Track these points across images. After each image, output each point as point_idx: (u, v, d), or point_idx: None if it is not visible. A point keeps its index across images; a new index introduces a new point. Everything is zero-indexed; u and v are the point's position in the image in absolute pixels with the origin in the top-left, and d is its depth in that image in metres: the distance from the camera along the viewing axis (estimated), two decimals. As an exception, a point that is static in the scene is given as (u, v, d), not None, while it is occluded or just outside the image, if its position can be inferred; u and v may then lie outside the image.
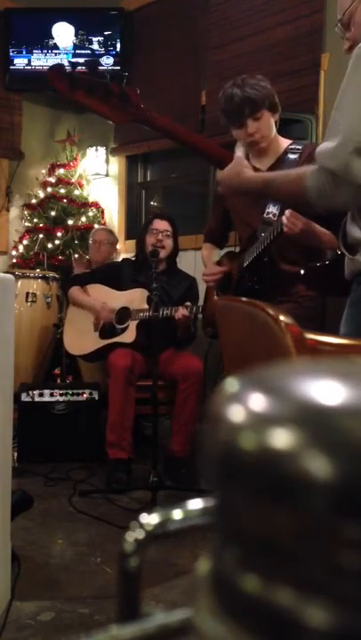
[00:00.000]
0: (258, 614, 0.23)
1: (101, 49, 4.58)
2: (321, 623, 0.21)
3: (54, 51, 4.59)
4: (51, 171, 4.74)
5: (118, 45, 4.55)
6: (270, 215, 2.22)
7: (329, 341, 0.95)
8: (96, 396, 3.27)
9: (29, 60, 4.61)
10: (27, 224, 4.62)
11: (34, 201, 4.68)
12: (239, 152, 1.60)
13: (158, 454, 2.57)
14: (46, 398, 3.23)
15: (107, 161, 4.78)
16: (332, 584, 0.21)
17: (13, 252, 4.61)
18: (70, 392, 3.27)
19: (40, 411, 3.21)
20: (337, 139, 1.21)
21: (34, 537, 2.22)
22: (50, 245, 4.41)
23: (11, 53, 4.60)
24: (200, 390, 2.91)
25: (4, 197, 4.73)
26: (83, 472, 3.00)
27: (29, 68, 4.60)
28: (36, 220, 4.55)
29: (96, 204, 4.67)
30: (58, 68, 1.68)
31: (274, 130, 2.35)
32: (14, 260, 4.55)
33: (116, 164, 4.78)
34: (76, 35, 4.58)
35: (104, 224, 4.62)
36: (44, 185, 4.68)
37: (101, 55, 4.57)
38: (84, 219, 4.53)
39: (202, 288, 3.09)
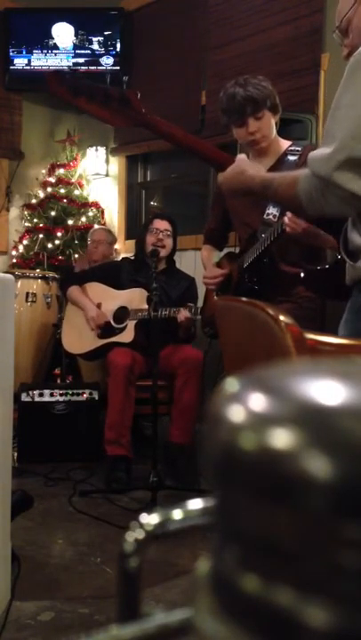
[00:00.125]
0: (258, 614, 0.23)
1: (101, 49, 4.58)
2: (321, 623, 0.21)
3: (54, 51, 4.59)
4: (51, 171, 4.74)
5: (118, 45, 4.55)
6: (270, 216, 2.22)
7: (329, 341, 0.95)
8: (96, 395, 3.27)
9: (29, 60, 4.61)
10: (27, 224, 4.62)
11: (34, 201, 4.68)
12: (242, 154, 1.60)
13: (158, 454, 2.57)
14: (46, 398, 3.23)
15: (107, 161, 4.78)
16: (332, 584, 0.21)
17: (13, 252, 4.61)
18: (70, 392, 3.27)
19: (40, 411, 3.21)
20: (330, 147, 1.20)
21: (34, 537, 2.22)
22: (50, 245, 4.41)
23: (11, 53, 4.60)
24: (199, 377, 2.91)
25: (4, 197, 4.73)
26: (83, 472, 3.00)
27: (29, 67, 4.60)
28: (36, 220, 4.55)
29: (96, 204, 4.67)
30: (57, 74, 1.68)
31: (274, 131, 2.36)
32: (14, 260, 4.55)
33: (116, 164, 4.78)
34: (76, 35, 4.58)
35: (104, 224, 4.62)
36: (44, 185, 4.68)
37: (101, 55, 4.57)
38: (84, 219, 4.53)
39: (201, 288, 3.09)
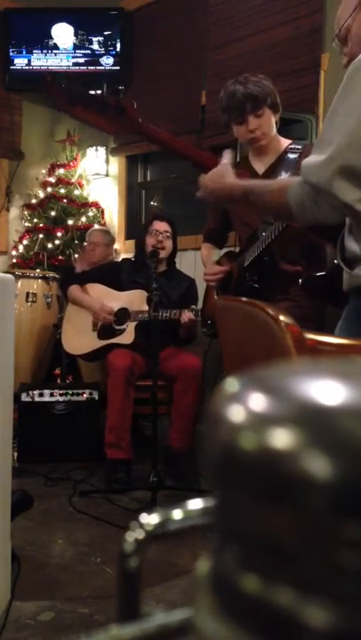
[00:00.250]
0: (258, 614, 0.23)
1: (101, 49, 4.57)
2: (321, 623, 0.21)
3: (54, 51, 4.59)
4: (51, 171, 4.74)
5: (118, 45, 4.55)
6: (270, 217, 2.22)
7: (329, 341, 0.95)
8: (96, 396, 3.27)
9: (29, 60, 4.61)
10: (27, 224, 4.62)
11: (34, 201, 4.68)
12: (226, 159, 1.60)
13: (158, 454, 2.57)
14: (46, 398, 3.23)
15: (107, 161, 4.78)
16: (332, 584, 0.21)
17: (13, 252, 4.61)
18: (70, 392, 3.27)
19: (40, 411, 3.21)
20: (324, 155, 1.20)
21: (34, 537, 2.22)
22: (50, 245, 4.41)
23: (11, 53, 4.60)
24: (198, 385, 2.91)
25: (4, 197, 4.73)
26: (83, 472, 3.00)
27: (29, 68, 4.60)
28: (36, 220, 4.55)
29: (96, 204, 4.67)
30: (55, 82, 1.69)
31: (274, 129, 2.36)
32: (14, 260, 4.55)
33: (116, 164, 4.78)
34: (76, 35, 4.58)
35: (104, 224, 4.62)
36: (44, 185, 4.68)
37: (101, 55, 4.57)
38: (84, 219, 4.53)
39: (201, 289, 3.09)
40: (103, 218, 4.69)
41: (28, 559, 1.94)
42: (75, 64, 4.58)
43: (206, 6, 4.04)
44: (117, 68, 4.55)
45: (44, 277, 3.95)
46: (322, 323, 2.30)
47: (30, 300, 3.85)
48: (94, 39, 4.58)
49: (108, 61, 4.57)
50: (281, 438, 0.22)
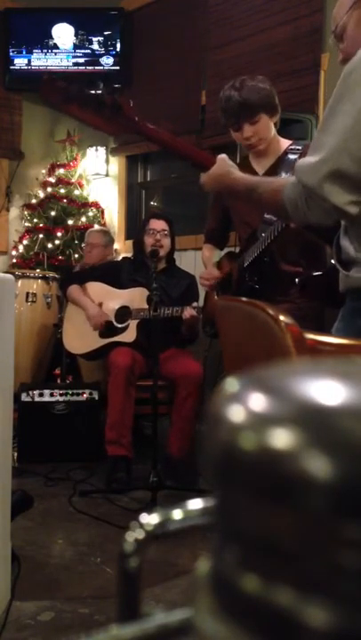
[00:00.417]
0: (258, 614, 0.23)
1: (101, 49, 4.58)
2: (321, 623, 0.21)
3: (54, 51, 4.59)
4: (51, 171, 4.74)
5: (118, 45, 4.55)
6: (271, 215, 2.22)
7: (329, 341, 0.95)
8: (96, 395, 3.27)
9: (29, 60, 4.61)
10: (27, 224, 4.62)
11: (34, 201, 4.68)
12: (223, 155, 1.60)
13: (158, 454, 2.57)
14: (46, 398, 3.23)
15: (107, 161, 4.78)
16: (332, 584, 0.21)
17: (13, 252, 4.61)
18: (70, 392, 3.26)
19: (40, 411, 3.21)
20: (317, 156, 1.20)
21: (34, 537, 2.22)
22: (50, 245, 4.41)
23: (11, 53, 4.60)
24: (198, 393, 2.91)
25: (3, 197, 4.73)
26: (83, 472, 3.00)
27: (29, 68, 4.60)
28: (36, 220, 4.55)
29: (96, 204, 4.67)
30: (50, 81, 1.68)
31: (273, 131, 2.35)
32: (14, 260, 4.55)
33: (116, 164, 4.78)
34: (76, 35, 4.58)
35: (104, 224, 4.62)
36: (44, 185, 4.68)
37: (101, 55, 4.57)
38: (84, 219, 4.53)
39: (202, 288, 3.09)
40: (103, 218, 4.69)
41: (28, 559, 1.94)
42: (75, 64, 4.58)
43: (206, 6, 4.04)
44: (117, 67, 4.55)
45: (43, 277, 3.95)
46: (321, 324, 2.30)
47: (30, 299, 3.85)
48: (94, 39, 4.58)
49: (108, 61, 4.57)
50: (281, 438, 0.22)
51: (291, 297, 2.29)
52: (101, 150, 4.74)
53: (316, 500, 0.21)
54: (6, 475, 1.33)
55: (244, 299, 1.09)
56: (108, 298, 3.26)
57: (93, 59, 4.58)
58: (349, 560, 0.21)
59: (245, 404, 0.25)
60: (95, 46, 4.58)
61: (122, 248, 4.57)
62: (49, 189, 4.62)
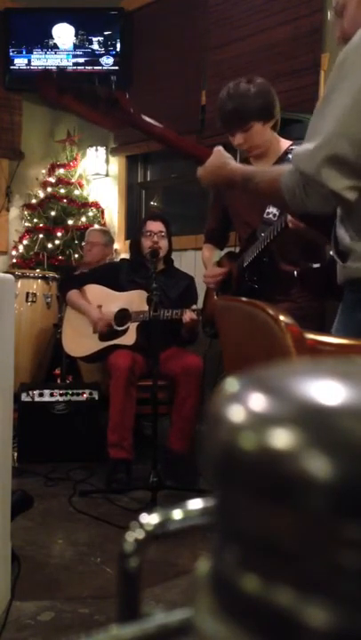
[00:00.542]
0: (258, 614, 0.23)
1: (101, 49, 4.58)
2: (321, 623, 0.21)
3: (54, 51, 4.59)
4: (51, 171, 4.74)
5: (118, 45, 4.55)
6: (270, 215, 2.22)
7: (329, 341, 0.95)
8: (96, 396, 3.27)
9: (29, 60, 4.60)
10: (27, 224, 4.62)
11: (34, 201, 4.68)
12: (220, 147, 1.58)
13: (158, 454, 2.57)
14: (46, 398, 3.23)
15: (107, 161, 4.78)
16: (332, 584, 0.21)
17: (13, 252, 4.61)
18: (70, 392, 3.27)
19: (40, 411, 3.21)
20: (314, 143, 1.19)
21: (34, 537, 2.22)
22: (50, 245, 4.41)
23: (11, 53, 4.60)
24: (200, 388, 2.91)
25: (3, 197, 4.73)
26: (83, 472, 3.00)
27: (29, 67, 4.59)
28: (36, 220, 4.55)
29: (96, 204, 4.67)
30: (45, 74, 1.67)
31: (268, 135, 2.34)
32: (14, 260, 4.55)
33: (116, 164, 4.78)
34: (76, 35, 4.58)
35: (104, 224, 4.62)
36: (44, 185, 4.68)
37: (101, 55, 4.57)
38: (84, 219, 4.53)
39: (201, 287, 3.09)
40: (103, 218, 4.69)
41: (28, 559, 1.94)
42: (75, 64, 4.58)
43: (206, 6, 4.04)
44: (117, 68, 4.55)
45: (43, 277, 3.95)
46: (322, 323, 2.30)
47: (30, 300, 3.85)
48: (94, 39, 4.58)
49: (108, 61, 4.57)
50: (281, 438, 0.22)
51: (291, 296, 2.29)
52: (101, 150, 4.74)
53: (317, 500, 0.21)
54: (6, 475, 1.33)
55: (244, 299, 1.09)
56: (107, 300, 3.26)
57: (93, 59, 4.58)
58: (349, 560, 0.21)
59: (245, 404, 0.25)
60: (95, 46, 4.58)
61: (122, 248, 4.57)
62: (49, 189, 4.62)
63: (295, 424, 0.22)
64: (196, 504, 0.31)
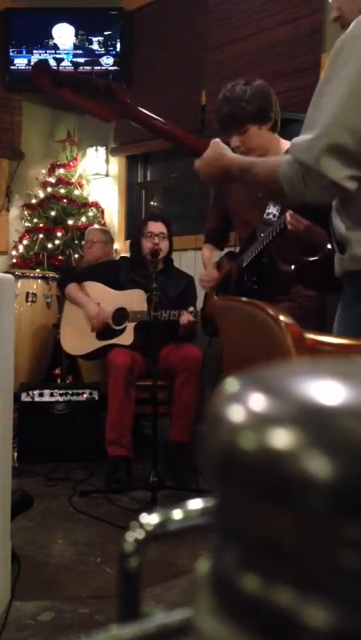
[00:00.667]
0: (258, 614, 0.23)
1: (101, 49, 4.58)
2: (321, 623, 0.21)
3: (54, 50, 4.59)
4: (51, 171, 4.74)
5: (118, 45, 4.55)
6: (270, 216, 2.22)
7: (329, 341, 0.95)
8: (96, 395, 3.27)
9: (29, 60, 4.60)
10: (27, 224, 4.62)
11: (34, 201, 4.68)
12: (217, 139, 1.57)
13: (158, 454, 2.57)
14: (46, 398, 3.23)
15: (107, 161, 4.78)
16: (332, 584, 0.21)
17: (13, 252, 4.61)
18: (70, 392, 3.27)
19: (40, 411, 3.21)
20: (312, 133, 1.18)
21: (34, 537, 2.22)
22: (50, 245, 4.41)
23: (11, 53, 4.60)
24: (198, 376, 2.91)
25: (3, 197, 4.73)
26: (83, 472, 3.00)
27: (29, 68, 4.59)
28: (36, 220, 4.55)
29: (96, 204, 4.67)
30: (41, 65, 1.66)
31: (265, 137, 2.34)
32: (14, 260, 4.55)
33: (116, 164, 4.78)
34: (76, 35, 4.58)
35: (104, 224, 4.62)
36: (44, 185, 4.68)
37: (101, 55, 4.57)
38: (84, 219, 4.53)
39: (200, 288, 3.09)
40: (103, 218, 4.69)
41: (28, 559, 1.94)
42: (75, 64, 4.58)
43: (206, 6, 4.04)
44: (117, 68, 4.55)
45: (43, 277, 3.95)
46: (322, 323, 2.30)
47: (30, 299, 3.85)
48: (94, 39, 4.58)
49: (108, 61, 4.57)
50: (281, 438, 0.22)
51: (291, 295, 2.29)
52: (101, 150, 4.74)
53: (317, 500, 0.21)
54: (6, 475, 1.33)
55: (244, 299, 1.09)
56: (106, 299, 3.26)
57: (93, 59, 4.58)
58: (349, 560, 0.21)
59: (245, 404, 0.25)
60: (95, 46, 4.58)
61: (122, 248, 4.57)
62: (49, 189, 4.62)
63: (295, 424, 0.22)
64: (196, 504, 0.31)
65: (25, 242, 4.50)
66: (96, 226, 4.39)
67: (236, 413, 0.25)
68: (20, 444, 3.13)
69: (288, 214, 1.98)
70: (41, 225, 4.49)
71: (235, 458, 0.24)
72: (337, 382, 0.24)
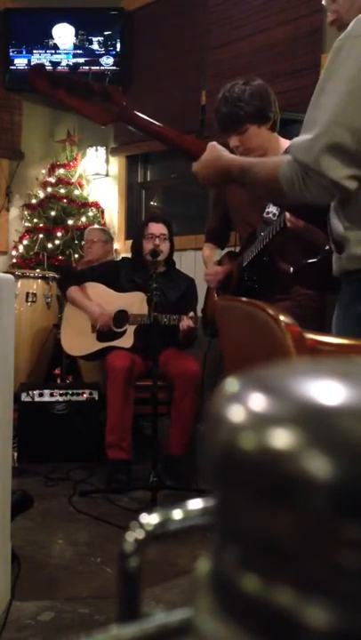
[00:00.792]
0: (258, 614, 0.23)
1: (101, 49, 4.58)
2: (321, 623, 0.21)
3: (54, 50, 4.59)
4: (51, 171, 4.74)
5: (118, 45, 4.55)
6: (270, 215, 2.22)
7: (329, 341, 0.95)
8: (96, 396, 3.27)
9: (29, 60, 4.60)
10: (27, 224, 4.62)
11: (34, 201, 4.68)
12: (214, 142, 1.57)
13: (158, 454, 2.57)
14: (46, 398, 3.23)
15: (107, 161, 4.78)
16: (332, 584, 0.21)
17: (13, 252, 4.61)
18: (70, 392, 3.26)
19: (40, 411, 3.21)
20: (312, 132, 1.18)
21: (34, 537, 2.22)
22: (50, 245, 4.41)
23: (11, 53, 4.60)
24: (196, 391, 2.91)
25: (3, 197, 4.73)
26: (83, 472, 3.00)
27: (29, 68, 4.59)
28: (36, 220, 4.55)
29: (96, 204, 4.67)
30: (38, 67, 1.66)
31: (265, 136, 2.34)
32: (14, 260, 4.55)
33: (116, 164, 4.78)
34: (76, 35, 4.58)
35: (104, 224, 4.62)
36: (44, 185, 4.68)
37: (101, 55, 4.57)
38: (84, 219, 4.53)
39: (201, 289, 3.09)
40: (103, 218, 4.69)
41: (28, 559, 1.94)
42: (75, 64, 4.58)
43: (206, 6, 4.04)
44: (117, 68, 4.55)
45: (43, 277, 3.95)
46: (322, 322, 2.30)
47: (30, 300, 3.85)
48: (94, 39, 4.58)
49: (108, 61, 4.57)
50: (281, 438, 0.22)
51: (291, 295, 2.29)
52: (101, 150, 4.74)
53: (316, 500, 0.21)
54: (6, 475, 1.33)
55: (244, 299, 1.09)
56: (107, 300, 3.25)
57: (93, 59, 4.58)
58: (349, 560, 0.21)
59: (245, 403, 0.25)
60: (95, 46, 4.58)
61: (122, 248, 4.57)
62: (49, 189, 4.62)
63: (295, 424, 0.22)
64: (196, 504, 0.31)
65: (25, 242, 4.50)
66: (95, 225, 4.39)
67: (236, 413, 0.25)
68: (20, 443, 3.13)
69: (288, 213, 1.98)
70: (41, 225, 4.49)
71: (235, 458, 0.23)
72: (337, 382, 0.24)
